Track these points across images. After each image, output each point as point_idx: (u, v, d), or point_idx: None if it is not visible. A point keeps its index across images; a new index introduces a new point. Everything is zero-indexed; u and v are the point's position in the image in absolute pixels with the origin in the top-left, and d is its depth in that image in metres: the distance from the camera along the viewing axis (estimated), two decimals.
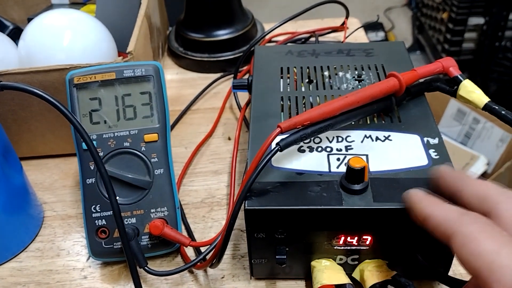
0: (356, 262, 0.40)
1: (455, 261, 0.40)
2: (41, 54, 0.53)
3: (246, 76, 0.70)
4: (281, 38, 0.75)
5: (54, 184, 0.56)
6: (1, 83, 0.37)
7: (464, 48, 1.94)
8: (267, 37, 0.74)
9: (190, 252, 0.47)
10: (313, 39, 0.71)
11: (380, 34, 2.37)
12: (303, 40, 0.72)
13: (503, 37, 1.81)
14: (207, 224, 0.50)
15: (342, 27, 0.70)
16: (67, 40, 0.54)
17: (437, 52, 2.05)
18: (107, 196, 0.43)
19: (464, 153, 1.41)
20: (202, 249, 0.46)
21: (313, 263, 0.40)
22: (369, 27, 2.32)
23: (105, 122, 0.44)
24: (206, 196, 0.53)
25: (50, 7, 0.77)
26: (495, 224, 0.28)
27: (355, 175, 0.36)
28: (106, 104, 0.44)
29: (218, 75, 0.71)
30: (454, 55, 1.94)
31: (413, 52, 2.31)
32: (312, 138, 0.42)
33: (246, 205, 0.36)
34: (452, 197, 0.32)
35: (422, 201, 0.32)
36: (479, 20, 1.86)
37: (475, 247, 0.26)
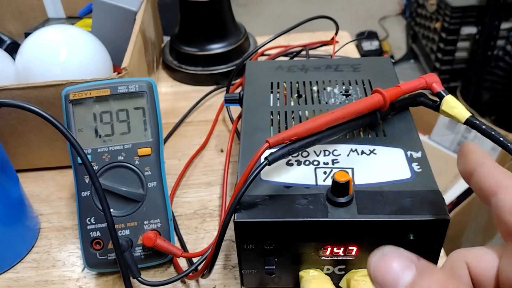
0: (343, 272, 0.42)
1: None
2: (38, 69, 0.55)
3: (239, 89, 0.71)
4: (273, 51, 0.76)
5: (50, 196, 0.57)
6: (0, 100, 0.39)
7: (457, 57, 1.96)
8: (260, 50, 0.76)
9: (182, 262, 0.48)
10: (304, 52, 0.73)
11: (375, 43, 2.39)
12: (294, 53, 0.73)
13: (495, 46, 1.84)
14: (199, 235, 0.51)
15: (332, 41, 0.72)
16: (63, 55, 0.55)
17: (431, 61, 2.07)
18: (101, 208, 0.44)
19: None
20: (194, 259, 0.47)
21: (301, 273, 0.42)
22: (363, 36, 2.35)
23: (99, 136, 0.46)
24: (199, 208, 0.54)
25: (47, 21, 0.79)
26: None
27: (340, 188, 0.37)
28: (100, 119, 0.46)
29: (211, 88, 0.73)
30: (447, 64, 1.97)
31: (407, 61, 2.34)
32: (300, 152, 0.43)
33: (235, 218, 0.38)
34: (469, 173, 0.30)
35: (478, 150, 0.30)
36: (472, 30, 1.88)
37: None
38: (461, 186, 1.35)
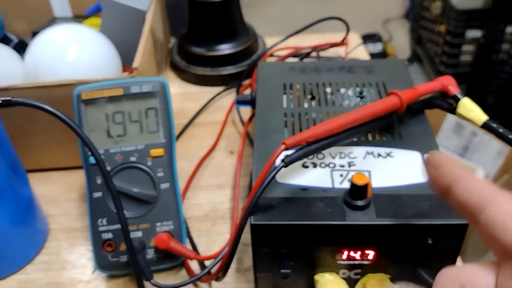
0: (359, 276, 0.41)
1: None
2: (47, 68, 0.54)
3: (248, 90, 0.71)
4: (282, 52, 0.76)
5: (58, 197, 0.56)
6: (13, 99, 0.38)
7: (462, 61, 1.95)
8: (269, 51, 0.75)
9: (194, 265, 0.48)
10: (314, 54, 0.72)
11: (378, 46, 2.39)
12: (304, 55, 0.73)
13: (500, 50, 1.83)
14: (210, 237, 0.50)
15: (343, 43, 0.71)
16: (72, 54, 0.55)
17: (435, 64, 2.06)
18: (114, 210, 0.44)
19: None
20: (207, 262, 0.47)
21: (316, 277, 0.41)
22: (367, 38, 2.35)
23: (112, 137, 0.45)
24: (210, 210, 0.53)
25: (53, 20, 0.78)
26: None
27: (358, 191, 0.37)
28: (113, 119, 0.45)
29: (220, 88, 0.72)
30: (451, 67, 1.96)
31: (411, 64, 2.33)
32: (315, 154, 0.43)
33: (252, 220, 0.37)
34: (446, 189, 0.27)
35: (451, 163, 0.27)
36: (477, 33, 1.87)
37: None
38: None
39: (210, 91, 0.72)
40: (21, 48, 0.66)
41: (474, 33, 1.88)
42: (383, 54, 2.34)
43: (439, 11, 2.02)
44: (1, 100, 0.39)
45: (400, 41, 2.55)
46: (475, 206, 0.25)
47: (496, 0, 1.74)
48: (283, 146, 0.38)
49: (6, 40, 0.67)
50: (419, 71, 2.24)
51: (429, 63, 2.16)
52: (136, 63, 0.53)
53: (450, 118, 1.51)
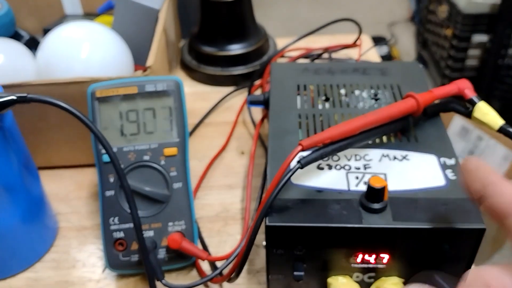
0: (373, 280, 0.41)
1: None
2: (60, 65, 0.54)
3: (259, 91, 0.70)
4: (293, 53, 0.75)
5: (68, 195, 0.56)
6: (28, 96, 0.38)
7: (468, 65, 1.95)
8: (281, 52, 0.75)
9: (204, 265, 0.47)
10: (325, 55, 0.72)
11: (384, 49, 2.38)
12: (315, 56, 0.73)
13: (507, 55, 1.83)
14: (222, 238, 0.50)
15: (355, 45, 0.71)
16: (85, 52, 0.54)
17: (440, 68, 2.06)
18: (126, 209, 0.43)
19: None
20: (218, 263, 0.46)
21: (329, 279, 0.41)
22: (372, 41, 2.34)
23: (125, 135, 0.45)
24: (221, 210, 0.53)
25: (64, 17, 0.78)
26: None
27: (375, 194, 0.36)
28: (127, 117, 0.45)
29: (230, 88, 0.72)
30: (457, 71, 1.96)
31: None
32: (330, 156, 0.42)
33: (267, 222, 0.37)
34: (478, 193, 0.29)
35: (484, 168, 0.29)
36: (483, 38, 1.87)
37: None
38: None
39: (221, 91, 0.72)
40: (32, 45, 0.66)
41: (480, 38, 1.88)
42: (388, 57, 2.33)
43: (445, 14, 2.02)
44: (16, 96, 0.38)
45: (406, 45, 2.54)
46: (503, 210, 0.26)
47: (503, 5, 1.73)
48: (299, 147, 0.37)
49: (17, 37, 0.67)
50: (425, 75, 2.24)
51: (435, 67, 2.16)
52: (150, 61, 0.52)
53: (456, 122, 1.51)
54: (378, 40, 2.39)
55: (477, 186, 0.28)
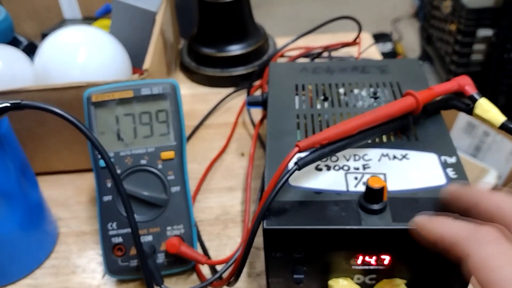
0: (374, 282, 0.40)
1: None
2: (57, 70, 0.54)
3: (259, 91, 0.70)
4: (293, 53, 0.75)
5: (68, 200, 0.56)
6: (22, 102, 0.38)
7: (473, 60, 1.93)
8: (280, 51, 0.74)
9: (204, 269, 0.47)
10: (325, 54, 0.71)
11: (388, 45, 2.37)
12: (315, 55, 0.72)
13: None
14: (222, 241, 0.49)
15: (355, 42, 0.70)
16: (82, 56, 0.54)
17: (445, 63, 2.04)
18: (124, 213, 0.43)
19: (474, 166, 1.40)
20: (218, 267, 0.46)
21: (330, 282, 0.40)
22: (377, 38, 2.33)
23: (122, 140, 0.45)
24: (221, 213, 0.53)
25: (63, 22, 0.78)
26: (508, 242, 0.27)
27: (374, 195, 0.36)
28: (123, 122, 0.45)
29: (230, 90, 0.71)
30: (462, 67, 1.94)
31: (421, 63, 2.31)
32: (329, 157, 0.42)
33: (265, 225, 0.36)
34: (466, 213, 0.31)
35: (430, 222, 0.32)
36: (488, 32, 1.85)
37: (492, 272, 0.26)
38: None
39: (220, 92, 0.71)
40: (30, 50, 0.66)
41: (485, 32, 1.86)
42: (393, 54, 2.32)
43: (449, 10, 2.00)
44: (10, 103, 0.38)
45: (410, 41, 2.53)
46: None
47: None
48: (296, 149, 0.37)
49: (15, 43, 0.67)
50: (430, 71, 2.23)
51: (440, 62, 2.14)
52: (146, 64, 0.52)
53: (461, 118, 1.50)
54: (382, 37, 2.38)
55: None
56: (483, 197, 0.31)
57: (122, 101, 0.44)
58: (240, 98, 0.70)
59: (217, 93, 0.71)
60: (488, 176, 1.37)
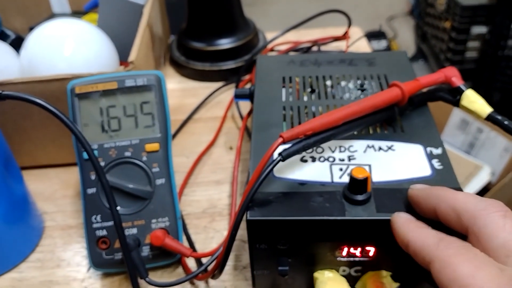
0: (360, 274, 0.40)
1: None
2: (43, 64, 0.53)
3: (248, 85, 0.70)
4: (283, 47, 0.75)
5: (54, 194, 0.55)
6: (3, 92, 0.37)
7: (467, 57, 1.93)
8: (269, 46, 0.74)
9: (191, 263, 0.46)
10: (315, 48, 0.71)
11: (383, 43, 2.37)
12: (305, 49, 0.72)
13: (506, 46, 1.81)
14: (208, 234, 0.49)
15: (344, 37, 0.70)
16: (69, 49, 0.54)
17: (440, 61, 2.05)
18: (108, 206, 0.43)
19: (468, 163, 1.40)
20: (204, 260, 0.46)
21: (315, 274, 0.40)
22: (371, 35, 2.33)
23: (106, 131, 0.44)
24: (208, 206, 0.52)
25: (52, 16, 0.77)
26: (471, 246, 0.28)
27: (358, 185, 0.35)
28: (107, 113, 0.44)
29: (220, 84, 0.71)
30: (457, 64, 1.94)
31: (416, 61, 2.31)
32: (314, 148, 0.41)
33: (248, 216, 0.36)
34: (432, 217, 0.32)
35: (403, 226, 0.32)
36: (482, 29, 1.86)
37: (452, 272, 0.26)
38: (473, 188, 1.32)
39: (210, 86, 0.71)
40: (18, 44, 0.65)
41: (479, 29, 1.86)
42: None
43: (444, 7, 2.00)
44: None
45: (405, 38, 2.53)
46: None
47: None
48: (280, 140, 0.36)
49: (3, 36, 0.66)
50: (424, 68, 2.23)
51: (434, 60, 2.15)
52: (132, 57, 0.52)
53: (455, 114, 1.50)
54: (377, 35, 2.38)
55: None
56: (442, 200, 0.31)
57: (106, 93, 0.44)
58: (229, 92, 0.70)
59: (206, 87, 0.71)
60: (482, 173, 1.37)
